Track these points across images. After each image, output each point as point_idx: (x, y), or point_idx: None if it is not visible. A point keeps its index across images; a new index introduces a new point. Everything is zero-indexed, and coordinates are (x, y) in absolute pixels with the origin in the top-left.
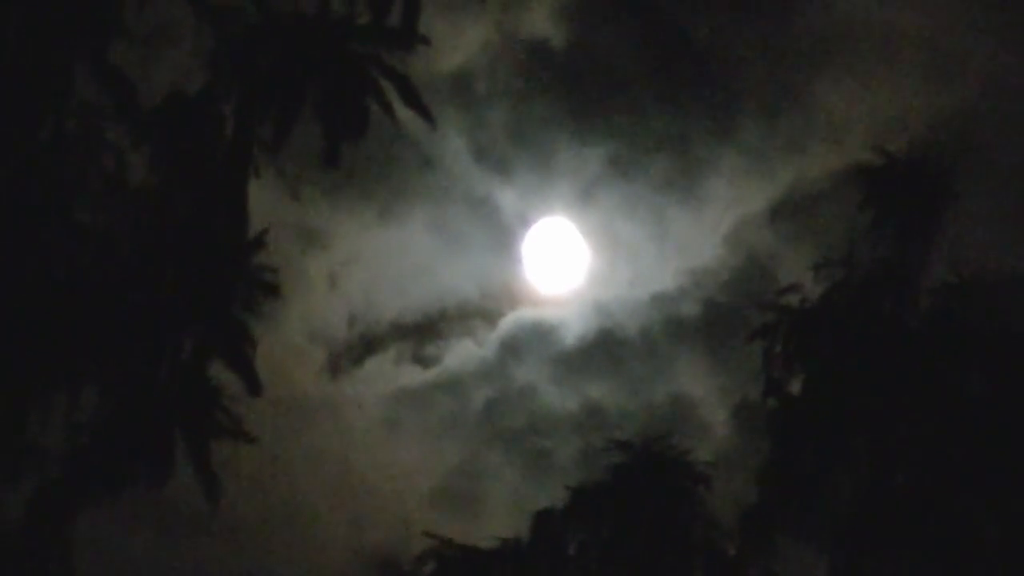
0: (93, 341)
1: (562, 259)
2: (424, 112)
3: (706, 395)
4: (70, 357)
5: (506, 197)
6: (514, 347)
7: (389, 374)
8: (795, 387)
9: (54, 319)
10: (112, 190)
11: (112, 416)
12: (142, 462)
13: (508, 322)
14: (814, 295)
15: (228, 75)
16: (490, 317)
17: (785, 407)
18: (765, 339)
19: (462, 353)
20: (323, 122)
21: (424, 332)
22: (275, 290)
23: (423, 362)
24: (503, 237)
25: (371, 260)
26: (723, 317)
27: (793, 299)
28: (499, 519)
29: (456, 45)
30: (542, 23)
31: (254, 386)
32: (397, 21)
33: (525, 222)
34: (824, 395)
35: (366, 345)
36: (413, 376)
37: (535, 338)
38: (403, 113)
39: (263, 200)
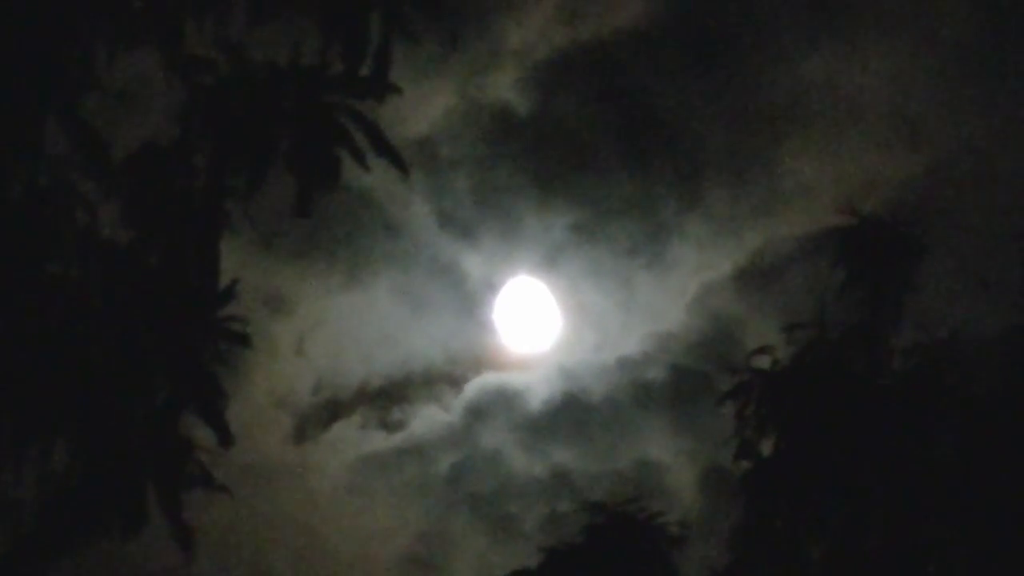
0: (65, 393)
1: (528, 323)
2: (396, 160)
3: (672, 460)
4: (42, 409)
5: (471, 262)
6: (480, 412)
7: (354, 439)
8: (766, 449)
9: (26, 371)
10: (84, 243)
11: (85, 468)
12: (114, 513)
13: (474, 386)
14: (785, 357)
15: (200, 127)
16: (456, 382)
17: (757, 469)
18: (736, 401)
19: (428, 418)
20: (295, 171)
21: (390, 397)
22: (246, 341)
23: (389, 427)
24: (468, 302)
25: (336, 325)
26: (689, 382)
27: (763, 361)
28: None
29: (421, 112)
30: (506, 90)
31: (225, 437)
32: (368, 72)
33: (490, 287)
34: (796, 457)
35: (331, 410)
36: (379, 441)
37: (501, 402)
38: (369, 179)
39: (228, 266)
